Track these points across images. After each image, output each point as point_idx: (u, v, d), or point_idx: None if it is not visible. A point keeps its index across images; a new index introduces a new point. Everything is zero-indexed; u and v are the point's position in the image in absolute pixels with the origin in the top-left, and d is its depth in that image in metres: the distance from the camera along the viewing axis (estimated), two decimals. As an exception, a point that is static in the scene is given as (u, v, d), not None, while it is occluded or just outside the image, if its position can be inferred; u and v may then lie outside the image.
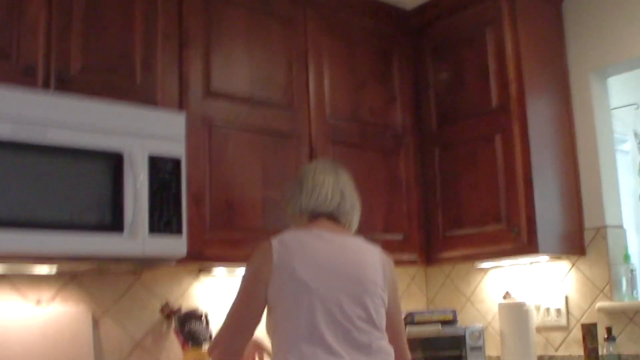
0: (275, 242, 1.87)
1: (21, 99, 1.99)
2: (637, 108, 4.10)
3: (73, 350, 2.31)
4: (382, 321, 1.91)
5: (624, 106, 4.42)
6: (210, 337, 2.47)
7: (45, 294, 2.35)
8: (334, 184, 2.04)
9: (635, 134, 4.77)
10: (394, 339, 1.95)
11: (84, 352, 2.33)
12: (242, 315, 1.87)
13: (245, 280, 1.89)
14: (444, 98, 3.09)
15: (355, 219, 2.08)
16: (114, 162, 2.10)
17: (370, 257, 1.96)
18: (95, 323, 2.42)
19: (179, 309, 2.52)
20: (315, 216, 2.01)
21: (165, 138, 2.22)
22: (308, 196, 2.02)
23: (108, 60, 2.25)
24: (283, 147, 2.64)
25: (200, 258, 2.38)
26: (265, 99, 2.64)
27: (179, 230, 2.21)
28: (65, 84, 2.14)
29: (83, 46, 2.20)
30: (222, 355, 1.88)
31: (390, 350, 1.90)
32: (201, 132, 2.43)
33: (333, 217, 2.02)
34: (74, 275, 2.40)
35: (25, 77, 2.07)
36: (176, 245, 2.21)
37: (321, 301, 1.81)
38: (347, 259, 1.91)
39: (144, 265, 2.33)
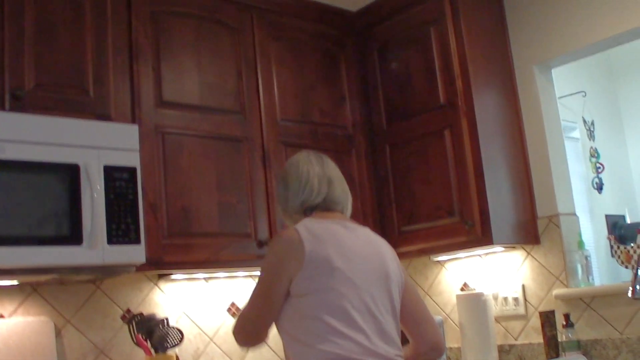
0: (302, 230, 1.92)
1: (-23, 118, 2.21)
2: (585, 95, 4.38)
3: (37, 360, 2.54)
4: (399, 312, 2.02)
5: (572, 94, 4.75)
6: (175, 341, 2.70)
7: (8, 306, 2.57)
8: (320, 173, 2.09)
9: (584, 121, 5.11)
10: (421, 323, 2.05)
11: (48, 362, 2.56)
12: (265, 303, 1.92)
13: (270, 269, 1.93)
14: (392, 96, 3.36)
15: (349, 205, 2.15)
16: (71, 174, 2.34)
17: (385, 247, 2.10)
18: (58, 332, 2.65)
19: (141, 315, 2.74)
20: (310, 210, 2.07)
21: (120, 149, 2.46)
22: (295, 192, 2.09)
23: (61, 77, 2.48)
24: (236, 151, 2.89)
25: (159, 264, 2.62)
26: (217, 106, 2.89)
27: (137, 238, 2.44)
28: (19, 101, 2.36)
29: (36, 64, 2.42)
30: (249, 339, 2.02)
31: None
32: (155, 141, 2.67)
33: (327, 208, 2.08)
34: (36, 287, 2.63)
35: (-20, 98, 2.29)
36: (135, 252, 2.44)
37: (356, 291, 1.89)
38: (372, 250, 2.02)
39: (104, 273, 2.55)
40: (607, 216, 5.58)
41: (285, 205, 2.12)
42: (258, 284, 1.96)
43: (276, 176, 2.19)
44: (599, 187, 5.65)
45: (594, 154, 5.68)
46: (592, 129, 5.70)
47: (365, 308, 1.89)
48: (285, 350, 1.99)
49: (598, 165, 5.69)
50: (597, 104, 5.81)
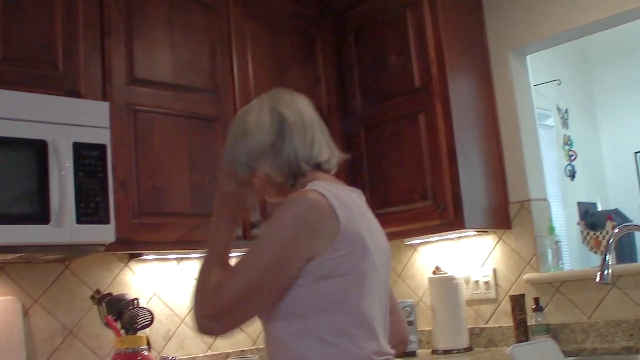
0: (329, 196, 1.55)
1: (-57, 91, 2.16)
2: (559, 84, 4.42)
3: (3, 340, 2.49)
4: None
5: (546, 82, 4.78)
6: (146, 322, 2.66)
7: (-26, 285, 2.54)
8: (318, 118, 1.73)
9: (558, 109, 5.15)
10: (393, 314, 1.75)
11: (14, 342, 2.52)
12: (272, 279, 1.51)
13: (287, 236, 1.51)
14: (367, 79, 3.35)
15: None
16: (39, 151, 2.29)
17: None
18: (26, 312, 2.61)
19: (111, 296, 2.70)
20: (310, 170, 1.67)
21: (90, 126, 2.41)
22: (301, 142, 1.66)
23: (30, 51, 2.42)
24: (209, 131, 2.86)
25: (128, 244, 2.58)
26: (190, 84, 2.85)
27: (106, 217, 2.40)
28: (-14, 76, 2.30)
29: (4, 37, 2.37)
30: (229, 323, 1.55)
31: None
32: (126, 119, 2.63)
33: (329, 168, 1.71)
34: (2, 266, 2.59)
35: (-54, 70, 2.24)
36: (104, 231, 2.40)
37: (378, 280, 1.62)
38: (379, 227, 1.73)
39: (72, 253, 2.52)
40: (579, 203, 5.65)
41: (273, 161, 1.65)
42: (262, 252, 1.52)
43: (245, 120, 1.69)
44: (572, 175, 5.73)
45: (568, 141, 5.75)
46: (566, 117, 5.76)
47: (378, 298, 1.62)
48: (275, 348, 1.59)
49: (571, 153, 5.76)
50: (572, 92, 5.87)
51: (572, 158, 5.74)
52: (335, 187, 1.62)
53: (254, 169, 1.68)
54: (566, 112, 5.76)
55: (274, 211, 1.57)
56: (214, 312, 1.53)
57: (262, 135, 1.66)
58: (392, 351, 1.64)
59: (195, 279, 1.61)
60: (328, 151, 1.71)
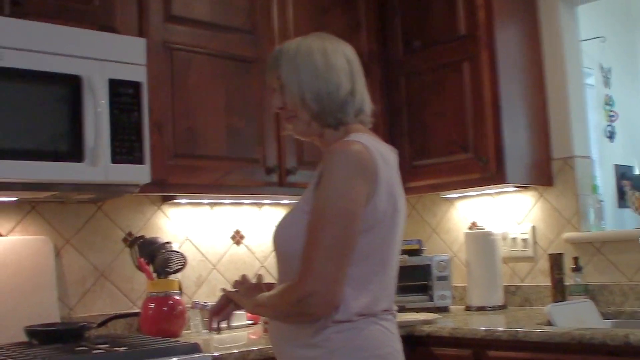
0: (373, 150, 1.58)
1: (-26, 22, 2.09)
2: (604, 41, 4.25)
3: (35, 280, 2.48)
4: None
5: (589, 39, 4.61)
6: (178, 266, 2.63)
7: (5, 224, 2.51)
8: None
9: (602, 67, 4.98)
10: None
11: (46, 283, 2.50)
12: (349, 236, 1.53)
13: (347, 189, 1.53)
14: (410, 25, 3.24)
15: None
16: (73, 87, 2.22)
17: None
18: (57, 253, 2.59)
19: (144, 238, 2.68)
20: (346, 122, 1.70)
21: (126, 62, 2.33)
22: (360, 91, 1.71)
23: (64, -17, 2.33)
24: (247, 73, 2.78)
25: (163, 185, 2.53)
26: (227, 23, 2.76)
27: (141, 157, 2.34)
28: (20, 7, 2.22)
29: (38, -33, 2.28)
30: (335, 292, 1.51)
31: None
32: (162, 57, 2.56)
33: (365, 121, 1.74)
34: (35, 205, 2.56)
35: (-23, 1, 2.16)
36: (139, 172, 2.34)
37: (399, 239, 1.68)
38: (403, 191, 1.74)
39: (106, 193, 2.47)
40: (616, 166, 5.51)
41: (326, 105, 1.66)
42: (328, 211, 1.51)
43: (317, 59, 1.68)
44: (611, 136, 5.58)
45: (609, 101, 5.58)
46: (608, 76, 5.59)
47: (396, 259, 1.69)
48: None
49: (612, 113, 5.59)
50: (615, 51, 5.68)
51: (613, 119, 5.58)
52: (377, 141, 1.66)
53: (314, 111, 1.67)
54: (609, 71, 5.58)
55: (320, 171, 1.58)
56: (307, 291, 1.50)
57: (342, 79, 1.67)
58: (396, 309, 1.71)
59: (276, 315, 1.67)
60: (369, 102, 1.74)
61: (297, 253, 1.55)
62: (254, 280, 1.83)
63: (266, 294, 1.67)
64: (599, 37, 5.19)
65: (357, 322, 1.58)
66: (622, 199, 4.87)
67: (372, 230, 1.57)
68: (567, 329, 2.31)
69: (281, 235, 1.68)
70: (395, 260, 1.69)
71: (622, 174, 5.36)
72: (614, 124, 5.59)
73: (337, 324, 1.56)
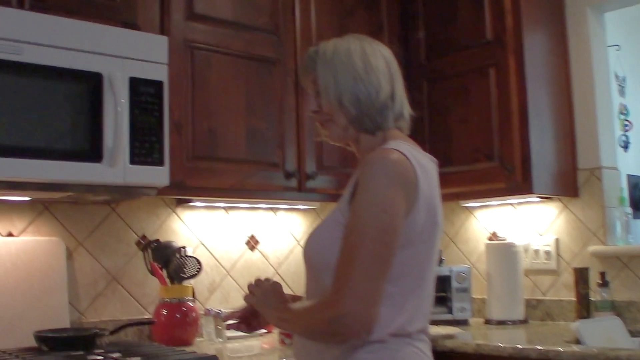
0: (412, 160, 1.50)
1: (-5, 16, 2.01)
2: (619, 49, 4.21)
3: (46, 282, 2.40)
4: None
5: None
6: (193, 271, 2.56)
7: (17, 223, 2.43)
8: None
9: (616, 76, 4.91)
10: None
11: (57, 285, 2.43)
12: (389, 253, 1.44)
13: (386, 199, 1.43)
14: (434, 29, 3.16)
15: None
16: (94, 84, 2.14)
17: None
18: (69, 255, 2.51)
19: (158, 242, 2.60)
20: (386, 128, 1.63)
21: (147, 61, 2.26)
22: (400, 95, 1.65)
23: (86, -23, 2.26)
24: (268, 73, 2.70)
25: (181, 188, 2.45)
26: (250, 23, 2.68)
27: (161, 159, 2.25)
28: (40, 1, 2.15)
29: (60, -38, 2.20)
30: (367, 317, 1.39)
31: None
32: (183, 56, 2.48)
33: (404, 128, 1.67)
34: (48, 205, 2.48)
35: (-2, -5, 2.09)
36: (158, 174, 2.26)
37: (435, 253, 1.59)
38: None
39: (122, 195, 2.39)
40: (628, 176, 5.44)
41: (365, 109, 1.59)
42: (367, 225, 1.42)
43: (356, 61, 1.62)
44: (625, 145, 5.50)
45: (623, 110, 5.51)
46: (623, 85, 5.51)
47: (433, 274, 1.60)
48: None
49: (626, 122, 5.51)
50: (630, 60, 5.61)
51: (627, 128, 5.51)
52: (417, 150, 1.58)
53: (352, 115, 1.60)
54: (624, 79, 5.51)
55: (357, 183, 1.49)
56: (342, 310, 1.39)
57: (382, 82, 1.61)
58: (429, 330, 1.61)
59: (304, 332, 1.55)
60: (409, 107, 1.67)
61: (329, 267, 1.46)
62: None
63: (294, 308, 1.58)
64: (614, 45, 5.12)
65: (389, 343, 1.48)
66: (636, 209, 4.79)
67: (410, 246, 1.49)
68: (600, 348, 2.22)
69: (313, 246, 1.58)
70: (433, 277, 1.60)
71: (635, 184, 5.29)
72: (628, 133, 5.51)
73: (369, 344, 1.47)
